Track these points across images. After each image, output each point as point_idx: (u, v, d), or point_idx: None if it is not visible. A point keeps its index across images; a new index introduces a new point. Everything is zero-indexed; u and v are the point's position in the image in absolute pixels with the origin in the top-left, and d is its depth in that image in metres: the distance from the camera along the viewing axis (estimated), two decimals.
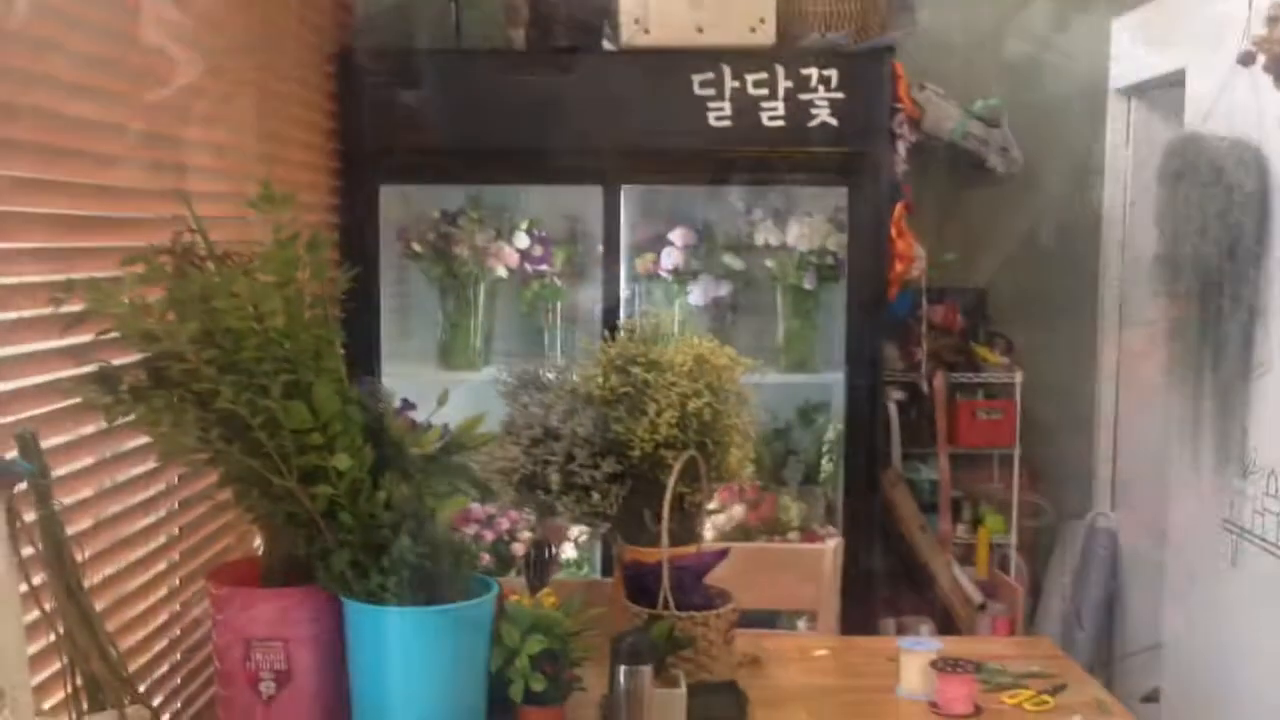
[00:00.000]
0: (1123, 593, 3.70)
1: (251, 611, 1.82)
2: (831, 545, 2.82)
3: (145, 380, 1.71)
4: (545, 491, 2.27)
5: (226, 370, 1.64)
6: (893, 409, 3.48)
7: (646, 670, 1.78)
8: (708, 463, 2.26)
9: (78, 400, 1.64)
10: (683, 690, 1.87)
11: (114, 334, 1.67)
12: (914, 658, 2.15)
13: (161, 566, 1.95)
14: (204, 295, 1.60)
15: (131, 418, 1.67)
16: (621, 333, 2.32)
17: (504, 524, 3.21)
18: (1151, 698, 3.31)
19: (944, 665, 2.09)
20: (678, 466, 2.14)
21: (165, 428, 1.67)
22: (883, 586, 3.29)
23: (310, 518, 1.73)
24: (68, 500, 1.62)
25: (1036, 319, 3.80)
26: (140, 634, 1.86)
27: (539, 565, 2.16)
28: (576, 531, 3.26)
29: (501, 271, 3.26)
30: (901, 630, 3.33)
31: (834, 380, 3.35)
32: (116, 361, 1.72)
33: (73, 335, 1.64)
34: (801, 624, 3.26)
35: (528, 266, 3.30)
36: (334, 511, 1.71)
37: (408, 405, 2.29)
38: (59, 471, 1.59)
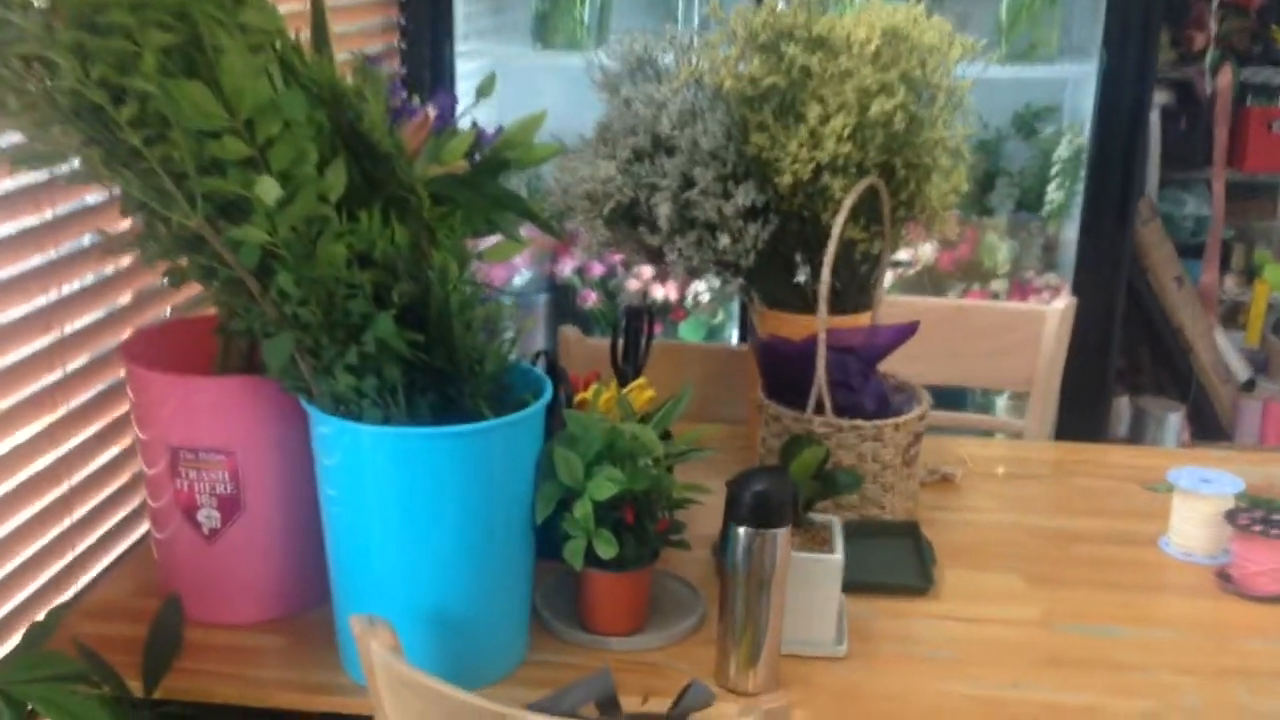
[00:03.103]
0: None
1: (177, 404, 1.24)
2: (1060, 306, 2.11)
3: None
4: (651, 229, 1.62)
5: (74, 26, 1.00)
6: (1154, 117, 2.65)
7: (779, 535, 1.15)
8: (895, 195, 1.56)
9: None
10: (838, 556, 1.25)
11: None
12: (1197, 502, 1.47)
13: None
14: None
15: None
16: None
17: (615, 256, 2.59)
18: None
19: (1248, 520, 1.41)
20: (848, 200, 1.45)
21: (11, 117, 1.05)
22: (1119, 356, 2.57)
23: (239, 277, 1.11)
24: None
25: None
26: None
27: (631, 343, 1.53)
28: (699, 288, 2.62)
29: None
30: (1140, 416, 2.63)
31: (1073, 75, 2.54)
32: None
33: None
34: (1001, 403, 2.59)
35: None
36: (272, 269, 1.09)
37: (444, 97, 1.62)
38: None
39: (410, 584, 1.16)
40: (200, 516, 1.27)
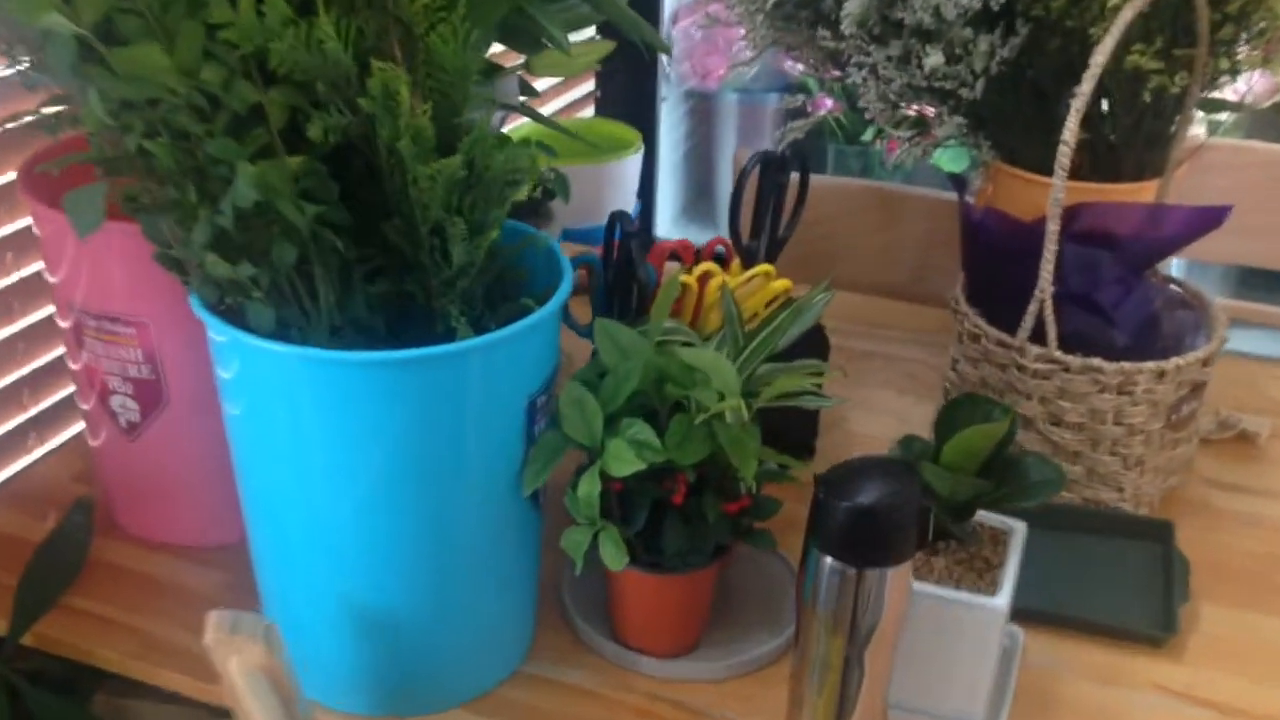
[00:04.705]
0: None
1: (74, 252, 0.91)
2: None
3: None
4: (835, 34, 1.13)
5: None
6: None
7: (888, 576, 0.71)
8: (1216, 7, 1.00)
9: None
10: (1003, 601, 0.79)
11: None
12: None
13: None
14: None
15: None
16: None
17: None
18: None
19: None
20: (1127, 11, 0.91)
21: None
22: None
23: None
24: None
25: None
26: None
27: (770, 207, 1.06)
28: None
29: None
30: None
31: None
32: None
33: None
34: None
35: None
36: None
37: None
38: None
39: (337, 565, 0.80)
40: (115, 405, 0.94)
